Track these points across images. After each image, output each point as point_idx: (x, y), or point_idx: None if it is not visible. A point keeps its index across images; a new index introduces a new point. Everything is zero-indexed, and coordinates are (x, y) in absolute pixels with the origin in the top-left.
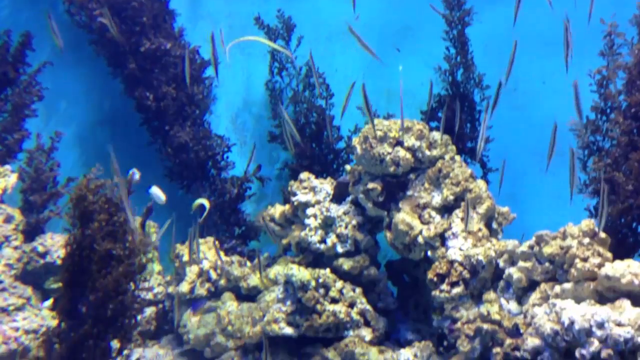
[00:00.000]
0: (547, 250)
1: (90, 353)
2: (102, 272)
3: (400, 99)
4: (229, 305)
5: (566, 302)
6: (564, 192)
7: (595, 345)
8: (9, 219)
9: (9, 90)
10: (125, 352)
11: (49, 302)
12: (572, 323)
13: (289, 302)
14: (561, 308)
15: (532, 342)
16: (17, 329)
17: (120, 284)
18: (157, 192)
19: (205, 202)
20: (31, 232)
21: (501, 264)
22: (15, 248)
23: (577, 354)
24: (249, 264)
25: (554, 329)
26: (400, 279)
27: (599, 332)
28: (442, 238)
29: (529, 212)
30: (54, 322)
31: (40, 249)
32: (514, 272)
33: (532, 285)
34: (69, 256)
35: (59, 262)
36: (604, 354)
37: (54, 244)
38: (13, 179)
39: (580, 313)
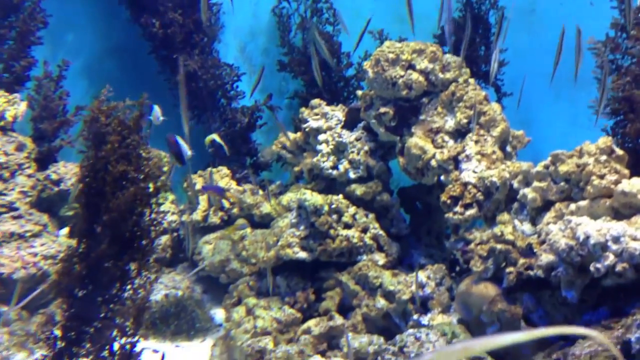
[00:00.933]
0: (563, 168)
1: (109, 274)
2: (116, 194)
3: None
4: (243, 230)
5: (582, 219)
6: (580, 118)
7: (610, 259)
8: (20, 147)
9: (12, 17)
10: (144, 273)
11: (65, 230)
12: (587, 238)
13: (302, 227)
14: (576, 224)
15: (546, 258)
16: (35, 255)
17: (135, 205)
18: (157, 112)
19: (216, 137)
20: (43, 161)
21: (515, 185)
22: (29, 176)
23: (591, 268)
24: (261, 192)
25: (569, 244)
26: (412, 206)
27: (614, 247)
28: (456, 161)
29: (543, 139)
30: (73, 244)
31: (54, 176)
32: (528, 193)
33: (547, 206)
34: (84, 178)
35: (72, 189)
36: (619, 267)
37: (67, 172)
38: (23, 106)
39: (596, 228)
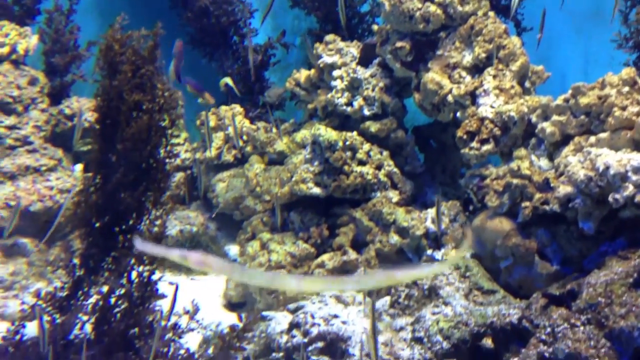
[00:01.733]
0: (584, 101)
1: (125, 203)
2: (130, 123)
3: None
4: (257, 167)
5: (602, 150)
6: (600, 55)
7: (630, 189)
8: (33, 81)
9: None
10: (160, 205)
11: (80, 165)
12: (607, 168)
13: (316, 163)
14: (596, 155)
15: (563, 190)
16: (51, 188)
17: (150, 135)
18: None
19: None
20: (56, 96)
21: (534, 119)
22: (42, 111)
23: (610, 198)
24: (274, 130)
25: (588, 175)
26: (427, 144)
27: (634, 177)
28: (473, 96)
29: (562, 75)
30: (89, 174)
31: (67, 111)
32: (547, 127)
33: (565, 141)
34: (99, 108)
35: (86, 124)
36: (638, 198)
37: (81, 106)
38: (34, 40)
39: (616, 159)
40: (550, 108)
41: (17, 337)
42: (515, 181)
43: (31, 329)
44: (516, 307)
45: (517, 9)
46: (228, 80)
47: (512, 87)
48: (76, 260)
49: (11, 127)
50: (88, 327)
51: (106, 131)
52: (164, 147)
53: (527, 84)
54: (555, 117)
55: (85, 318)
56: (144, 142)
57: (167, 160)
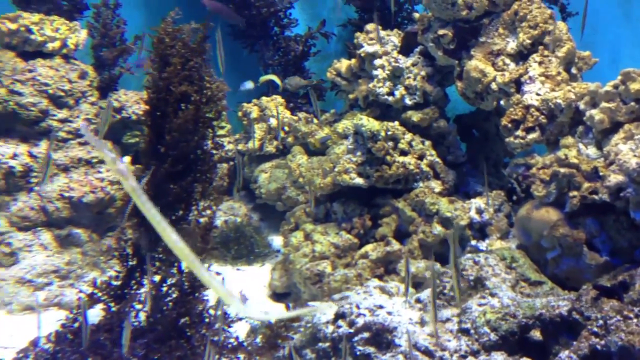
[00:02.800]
0: (634, 87)
1: (174, 194)
2: (177, 114)
3: None
4: (299, 158)
5: None
6: None
7: None
8: (83, 75)
9: None
10: (208, 197)
11: (127, 158)
12: None
13: (358, 153)
14: None
15: (614, 178)
16: (102, 180)
17: (197, 126)
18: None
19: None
20: (105, 89)
21: (582, 106)
22: (92, 104)
23: None
24: (315, 120)
25: None
26: (469, 133)
27: None
28: (517, 84)
29: (610, 62)
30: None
31: (116, 104)
32: (595, 114)
33: (614, 128)
34: (149, 100)
35: (134, 117)
36: None
37: (128, 100)
38: (83, 34)
39: None
40: (598, 95)
41: (76, 324)
42: (562, 170)
43: (89, 317)
44: (565, 299)
45: None
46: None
47: (559, 73)
48: (129, 250)
49: (63, 120)
50: (142, 316)
51: (156, 123)
52: (210, 139)
53: (574, 70)
54: (604, 104)
55: (139, 307)
56: (191, 133)
57: (213, 151)
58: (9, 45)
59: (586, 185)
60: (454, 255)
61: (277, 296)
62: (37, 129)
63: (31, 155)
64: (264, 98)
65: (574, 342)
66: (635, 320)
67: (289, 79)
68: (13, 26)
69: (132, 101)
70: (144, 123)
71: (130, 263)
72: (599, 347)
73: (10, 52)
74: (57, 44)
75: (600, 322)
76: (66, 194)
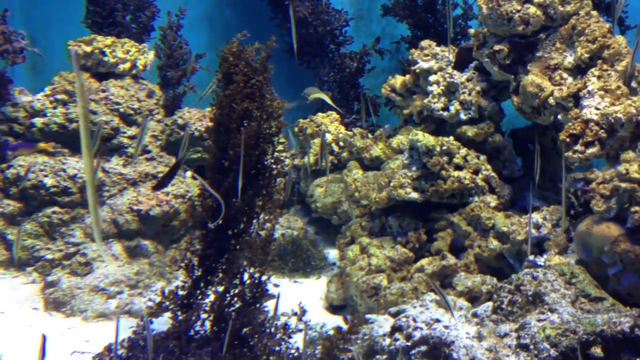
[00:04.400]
0: None
1: (236, 207)
2: (240, 130)
3: None
4: (355, 172)
5: None
6: None
7: None
8: (150, 94)
9: None
10: (268, 208)
11: (189, 172)
12: None
13: (414, 168)
14: None
15: None
16: (167, 194)
17: (258, 142)
18: None
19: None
20: (170, 107)
21: None
22: (159, 121)
23: None
24: (370, 135)
25: None
26: (525, 147)
27: None
28: (576, 98)
29: None
30: (197, 188)
31: (180, 121)
32: None
33: None
34: (214, 116)
35: (197, 133)
36: None
37: (192, 117)
38: (151, 55)
39: None
40: None
41: (146, 332)
42: (623, 185)
43: (158, 324)
44: (628, 315)
45: (622, 6)
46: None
47: (619, 87)
48: (195, 260)
49: (133, 137)
50: (207, 325)
51: (220, 138)
52: (270, 154)
53: (634, 84)
54: None
55: (204, 316)
56: (252, 148)
57: (273, 166)
58: (84, 67)
59: None
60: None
61: (334, 308)
62: (109, 145)
63: (104, 170)
64: (319, 114)
65: (637, 359)
66: None
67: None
68: (88, 49)
69: (195, 118)
70: (209, 138)
71: (196, 273)
72: None
73: (85, 73)
74: (127, 65)
75: None
76: (135, 207)
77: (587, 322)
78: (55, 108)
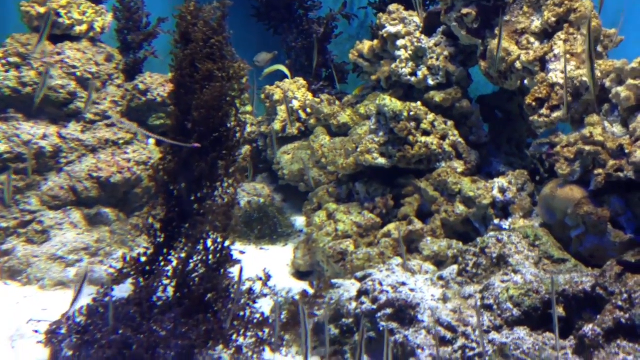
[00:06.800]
0: None
1: (199, 170)
2: (203, 91)
3: None
4: (322, 138)
5: None
6: None
7: None
8: (109, 58)
9: None
10: (231, 170)
11: (152, 141)
12: None
13: (381, 133)
14: None
15: None
16: (129, 160)
17: (221, 103)
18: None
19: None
20: (130, 72)
21: (607, 84)
22: (119, 86)
23: None
24: (337, 102)
25: None
26: (492, 114)
27: None
28: (542, 62)
29: (636, 39)
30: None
31: (141, 86)
32: (621, 91)
33: None
34: (174, 78)
35: (159, 99)
36: None
37: (153, 82)
38: (109, 17)
39: None
40: (625, 72)
41: (107, 298)
42: (587, 148)
43: (119, 292)
44: (589, 275)
45: None
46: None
47: (584, 51)
48: (157, 226)
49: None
50: (170, 291)
51: (182, 100)
52: (234, 116)
53: (600, 48)
54: (630, 81)
55: (167, 282)
56: (215, 110)
57: (237, 129)
58: (38, 29)
59: (611, 163)
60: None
61: (301, 275)
62: (66, 111)
63: (60, 136)
64: (286, 80)
65: (598, 317)
66: None
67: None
68: (42, 10)
69: (157, 83)
70: (170, 100)
71: (159, 239)
72: (623, 320)
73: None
74: (84, 27)
75: (625, 296)
76: (94, 174)
77: (550, 282)
78: (7, 72)
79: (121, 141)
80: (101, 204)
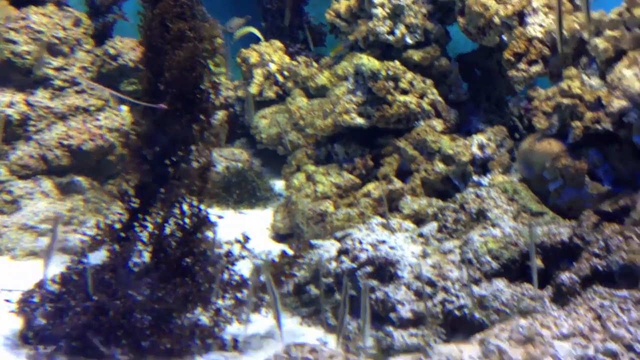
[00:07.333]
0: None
1: (173, 132)
2: (175, 51)
3: None
4: (299, 100)
5: None
6: None
7: None
8: (77, 23)
9: None
10: (206, 133)
11: (125, 107)
12: None
13: (359, 93)
14: None
15: (617, 104)
16: (100, 127)
17: (194, 64)
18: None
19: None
20: (99, 36)
21: (585, 36)
22: (88, 52)
23: None
24: (315, 64)
25: None
26: (471, 72)
27: None
28: (520, 17)
29: None
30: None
31: (112, 51)
32: (599, 43)
33: (618, 57)
34: (144, 38)
35: (131, 64)
36: None
37: (124, 47)
38: None
39: None
40: (602, 23)
41: (80, 266)
42: (565, 101)
43: (95, 260)
44: (566, 226)
45: None
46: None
47: (563, 3)
48: (131, 191)
49: (59, 69)
50: (146, 256)
51: (153, 61)
52: (207, 78)
53: (577, 0)
54: (608, 32)
55: (142, 247)
56: (188, 71)
57: (211, 90)
58: None
59: (589, 115)
60: None
61: (280, 237)
62: (33, 77)
63: (28, 103)
64: (262, 43)
65: (575, 264)
66: (636, 240)
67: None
68: None
69: (128, 48)
70: (141, 62)
71: (133, 205)
72: (600, 267)
73: (2, 0)
74: None
75: (602, 243)
76: (65, 142)
77: (528, 234)
78: None
79: (92, 108)
80: (73, 173)
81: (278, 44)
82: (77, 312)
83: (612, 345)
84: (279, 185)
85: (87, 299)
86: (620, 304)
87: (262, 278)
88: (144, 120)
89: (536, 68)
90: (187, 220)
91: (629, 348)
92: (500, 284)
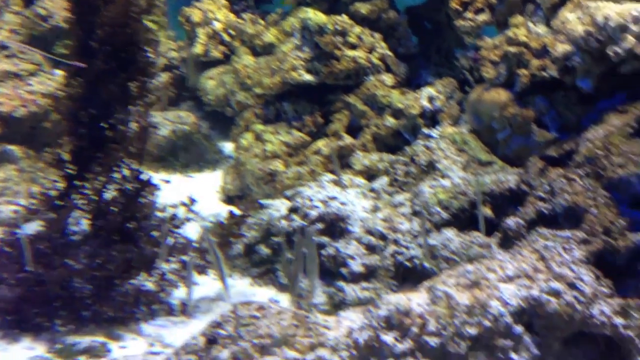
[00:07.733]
0: None
1: (109, 93)
2: (107, 7)
3: None
4: (245, 58)
5: (602, 2)
6: None
7: (629, 40)
8: None
9: None
10: (145, 92)
11: (59, 71)
12: (607, 21)
13: (306, 49)
14: (596, 8)
15: (561, 48)
16: (33, 93)
17: (128, 20)
18: None
19: None
20: None
21: None
22: (16, 13)
23: (609, 52)
24: (261, 21)
25: (587, 30)
26: (421, 25)
27: (634, 28)
28: None
29: None
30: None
31: (42, 12)
32: None
33: (562, 2)
34: None
35: (64, 25)
36: (638, 49)
37: (55, 6)
38: None
39: (616, 10)
40: None
41: (13, 237)
42: (511, 49)
43: (27, 229)
44: (514, 173)
45: None
46: None
47: None
48: (66, 157)
49: None
50: (85, 223)
51: (83, 18)
52: (143, 34)
53: None
54: None
55: (80, 214)
56: (122, 27)
57: (147, 47)
58: None
59: (535, 62)
60: None
61: (230, 199)
62: None
63: None
64: (205, 0)
65: (520, 209)
66: (580, 181)
67: None
68: None
69: (60, 7)
70: (70, 19)
71: (69, 171)
72: (545, 210)
73: None
74: None
75: (546, 187)
76: None
77: (477, 183)
78: None
79: (24, 72)
80: (5, 142)
81: (222, 0)
82: (11, 285)
83: (556, 285)
84: (228, 147)
85: (21, 271)
86: (563, 244)
87: (204, 239)
88: (76, 81)
89: (483, 17)
90: (128, 185)
91: (572, 286)
92: (449, 233)
